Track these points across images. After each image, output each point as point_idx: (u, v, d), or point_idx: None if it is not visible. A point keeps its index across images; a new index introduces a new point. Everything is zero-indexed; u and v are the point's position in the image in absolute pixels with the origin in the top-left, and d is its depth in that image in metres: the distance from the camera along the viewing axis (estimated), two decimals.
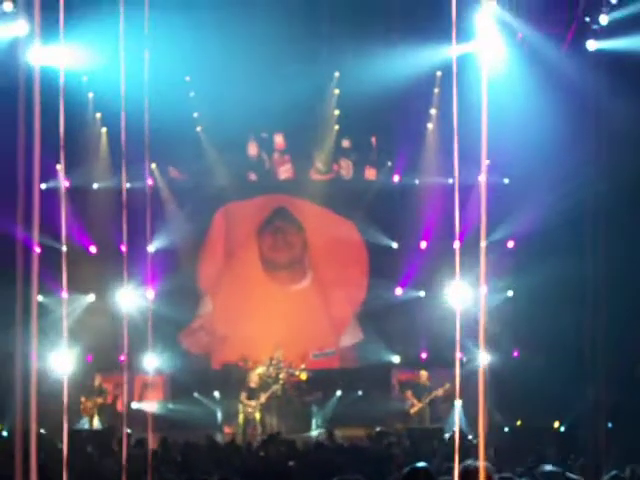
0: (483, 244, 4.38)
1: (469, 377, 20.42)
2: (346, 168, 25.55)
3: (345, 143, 25.25)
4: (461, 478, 5.62)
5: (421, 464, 6.76)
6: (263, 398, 21.55)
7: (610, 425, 19.03)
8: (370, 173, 25.52)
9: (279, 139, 25.36)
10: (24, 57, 4.57)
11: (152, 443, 16.24)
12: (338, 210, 25.59)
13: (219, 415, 23.15)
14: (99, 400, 21.49)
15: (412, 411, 21.31)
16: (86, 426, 21.19)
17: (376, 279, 25.22)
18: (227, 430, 22.44)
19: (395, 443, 16.61)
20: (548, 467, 6.28)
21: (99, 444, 16.09)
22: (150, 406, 23.24)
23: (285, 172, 25.76)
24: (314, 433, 21.87)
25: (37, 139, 4.03)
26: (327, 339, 25.52)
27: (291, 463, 12.02)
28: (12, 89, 4.38)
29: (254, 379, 22.02)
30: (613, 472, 8.31)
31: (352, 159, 25.51)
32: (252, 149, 25.35)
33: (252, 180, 25.63)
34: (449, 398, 21.81)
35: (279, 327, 24.04)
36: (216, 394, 23.62)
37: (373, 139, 25.24)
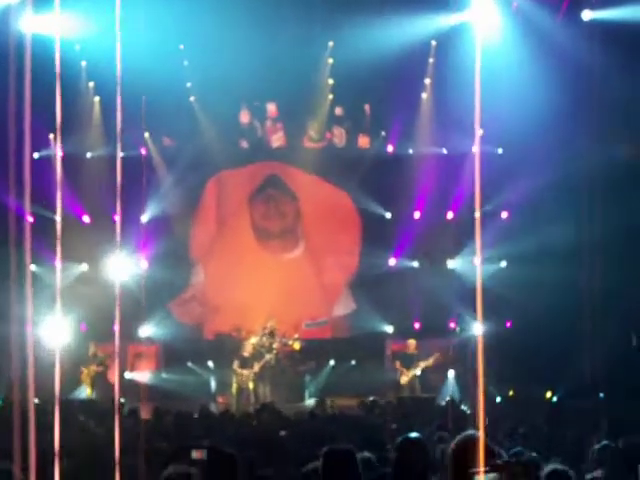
0: (478, 215, 4.36)
1: (462, 347, 20.51)
2: (339, 136, 25.50)
3: (338, 111, 25.17)
4: (461, 448, 5.61)
5: (414, 434, 6.75)
6: (257, 367, 21.57)
7: (602, 395, 19.11)
8: (363, 141, 25.47)
9: (272, 107, 25.28)
10: (16, 25, 4.53)
11: (145, 413, 16.28)
12: (331, 178, 25.53)
13: (213, 385, 23.19)
14: (94, 368, 21.46)
15: (402, 381, 21.32)
16: (83, 395, 21.20)
17: (369, 249, 25.22)
18: (220, 400, 22.48)
19: (387, 412, 16.66)
20: (553, 466, 6.28)
21: (91, 414, 16.08)
22: (143, 376, 23.30)
23: (277, 140, 25.69)
24: (307, 402, 21.91)
25: (27, 108, 4.00)
26: (319, 309, 25.54)
27: (283, 433, 12.02)
28: (3, 57, 4.35)
29: (247, 348, 22.03)
30: (604, 442, 8.33)
31: (345, 127, 25.44)
32: (244, 117, 25.27)
33: (244, 148, 25.56)
34: (441, 368, 21.88)
35: (271, 296, 24.04)
36: (210, 364, 23.67)
37: (367, 107, 25.17)
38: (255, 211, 25.92)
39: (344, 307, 25.73)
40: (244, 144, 25.51)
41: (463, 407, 17.60)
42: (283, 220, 26.05)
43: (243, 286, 24.66)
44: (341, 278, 25.73)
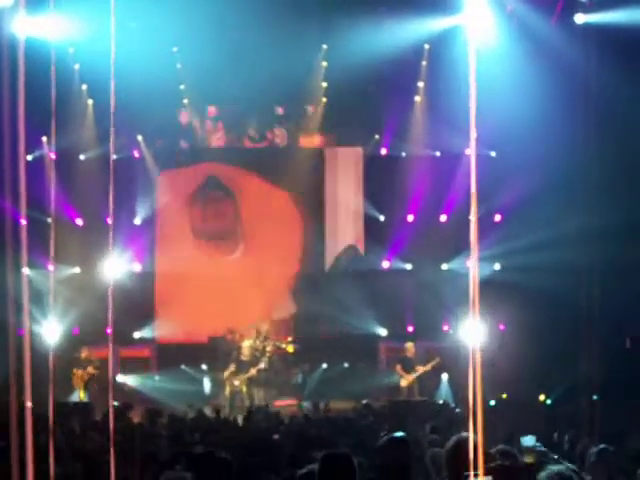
0: (473, 218, 4.35)
1: (455, 350, 20.49)
2: (280, 136, 25.53)
3: (279, 110, 25.28)
4: (455, 450, 5.62)
5: (399, 434, 6.76)
6: (253, 371, 21.49)
7: (596, 398, 19.12)
8: (306, 141, 25.60)
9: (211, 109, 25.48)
10: (9, 28, 4.51)
11: (138, 416, 16.26)
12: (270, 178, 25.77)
13: (206, 388, 23.17)
14: (88, 370, 21.36)
15: (403, 384, 21.20)
16: (76, 398, 21.14)
17: (367, 250, 25.36)
18: (214, 402, 22.46)
19: (380, 416, 16.66)
20: (556, 467, 6.28)
21: (84, 417, 16.07)
22: (136, 379, 23.28)
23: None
24: (302, 405, 21.87)
25: (21, 111, 3.99)
26: (261, 312, 25.06)
27: (276, 436, 12.02)
28: None
29: (245, 352, 21.89)
30: (601, 446, 8.32)
31: (286, 127, 25.55)
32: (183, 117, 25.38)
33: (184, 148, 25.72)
34: (437, 372, 21.84)
35: (215, 299, 24.44)
36: (203, 367, 23.69)
37: (310, 107, 25.24)
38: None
39: (285, 310, 25.59)
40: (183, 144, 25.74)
41: (457, 410, 17.61)
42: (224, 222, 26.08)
43: (189, 289, 24.74)
44: (282, 280, 25.65)
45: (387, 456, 6.50)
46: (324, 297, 24.44)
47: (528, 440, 16.23)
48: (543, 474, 5.48)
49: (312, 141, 25.70)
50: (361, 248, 25.75)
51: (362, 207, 25.48)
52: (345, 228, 25.88)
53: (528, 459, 14.22)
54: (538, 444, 13.07)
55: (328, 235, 25.78)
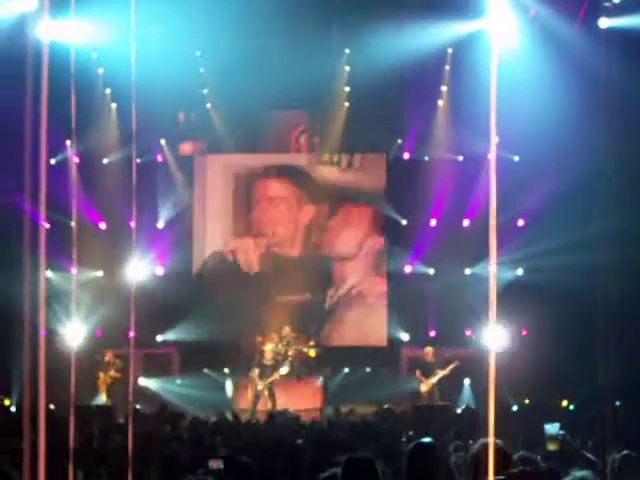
0: (493, 222, 4.34)
1: (478, 355, 20.44)
2: None
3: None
4: (479, 456, 5.60)
5: (427, 439, 6.75)
6: (276, 375, 21.49)
7: (619, 404, 19.03)
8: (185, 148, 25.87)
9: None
10: (33, 32, 4.54)
11: (160, 419, 16.30)
12: None
13: (229, 391, 23.19)
14: (110, 374, 21.40)
15: (423, 390, 21.16)
16: (101, 401, 21.18)
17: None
18: (237, 406, 22.49)
19: (403, 421, 16.64)
20: (580, 473, 6.26)
21: (105, 420, 16.13)
22: (158, 382, 23.32)
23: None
24: (325, 410, 21.85)
25: (44, 115, 4.01)
26: None
27: (299, 441, 12.00)
28: (21, 65, 4.35)
29: (268, 356, 21.90)
30: (625, 452, 8.27)
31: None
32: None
33: None
34: (457, 376, 21.78)
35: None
36: (226, 370, 23.73)
37: (180, 115, 25.33)
38: None
39: None
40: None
41: (479, 415, 17.55)
42: None
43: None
44: None
45: (414, 461, 6.48)
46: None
47: (552, 428, 16.19)
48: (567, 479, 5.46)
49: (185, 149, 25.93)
50: (382, 251, 25.73)
51: (384, 211, 25.50)
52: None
53: (552, 447, 14.22)
54: (562, 432, 13.07)
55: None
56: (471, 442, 5.97)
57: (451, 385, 21.71)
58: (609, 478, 7.98)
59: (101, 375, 21.43)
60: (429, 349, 21.56)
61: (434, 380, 20.98)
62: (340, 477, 5.90)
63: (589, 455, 6.84)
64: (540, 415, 17.36)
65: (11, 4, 18.05)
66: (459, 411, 18.59)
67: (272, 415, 17.51)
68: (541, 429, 14.63)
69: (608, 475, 8.03)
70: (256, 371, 21.63)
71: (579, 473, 6.77)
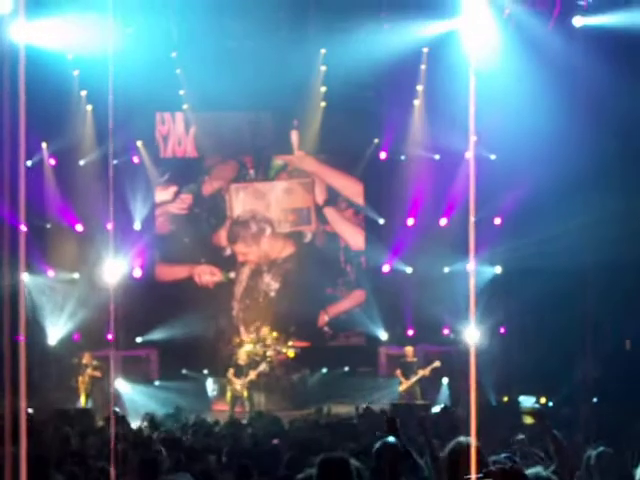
0: (472, 219, 4.37)
1: (456, 353, 20.40)
2: None
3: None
4: (453, 454, 5.64)
5: (391, 439, 6.80)
6: (253, 375, 21.50)
7: (595, 400, 19.13)
8: None
9: None
10: (8, 35, 4.54)
11: (137, 422, 16.27)
12: None
13: (209, 392, 23.15)
14: (89, 373, 21.26)
15: (401, 389, 21.19)
16: (78, 405, 21.07)
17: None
18: (215, 407, 22.46)
19: (381, 419, 16.63)
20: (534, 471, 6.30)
21: (84, 423, 16.06)
22: (137, 384, 23.24)
23: None
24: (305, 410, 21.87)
25: (22, 117, 4.00)
26: None
27: (275, 441, 12.00)
28: None
29: (242, 357, 21.99)
30: (600, 448, 8.31)
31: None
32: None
33: None
34: (438, 376, 21.82)
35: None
36: (205, 371, 23.73)
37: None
38: None
39: None
40: None
41: (458, 414, 17.58)
42: None
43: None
44: None
45: (380, 460, 6.56)
46: None
47: (526, 401, 16.25)
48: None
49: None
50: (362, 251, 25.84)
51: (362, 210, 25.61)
52: None
53: (528, 420, 14.31)
54: (537, 405, 13.09)
55: None
56: (448, 442, 5.99)
57: (431, 385, 21.73)
58: (584, 474, 8.03)
59: (80, 379, 21.29)
60: (409, 349, 21.59)
61: (414, 379, 21.00)
62: (315, 477, 5.92)
63: (557, 434, 6.86)
64: (518, 412, 17.42)
65: None
66: (437, 410, 18.58)
67: (251, 416, 17.51)
68: (518, 426, 14.66)
69: (583, 471, 8.07)
70: (231, 371, 21.63)
71: (532, 470, 6.82)
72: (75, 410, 19.58)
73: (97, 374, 21.25)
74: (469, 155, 21.30)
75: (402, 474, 6.64)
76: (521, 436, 9.68)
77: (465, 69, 4.51)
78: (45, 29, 19.03)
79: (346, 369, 24.36)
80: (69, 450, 10.22)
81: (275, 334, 23.20)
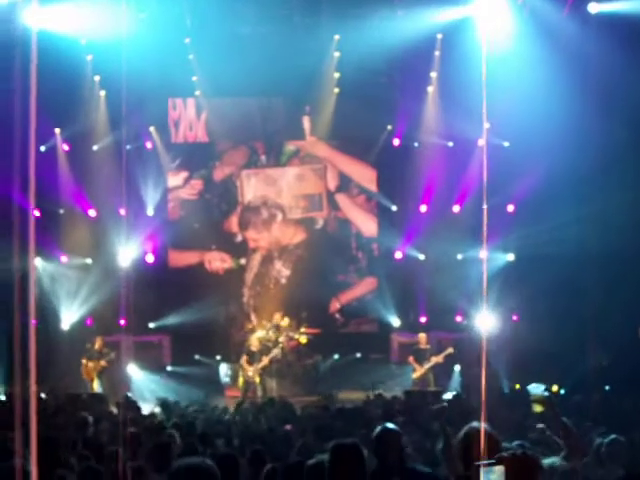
0: (485, 207, 4.36)
1: (469, 340, 20.37)
2: None
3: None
4: (466, 441, 5.64)
5: (391, 425, 6.81)
6: (266, 360, 21.53)
7: (608, 388, 19.10)
8: None
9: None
10: (21, 20, 4.54)
11: (151, 407, 16.32)
12: None
13: (222, 378, 23.18)
14: (101, 363, 21.36)
15: (415, 376, 21.14)
16: (90, 389, 21.13)
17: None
18: (228, 393, 22.51)
19: (394, 406, 16.63)
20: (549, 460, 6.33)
21: (96, 408, 16.09)
22: (149, 369, 23.29)
23: None
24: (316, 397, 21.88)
25: (33, 103, 4.00)
26: None
27: (288, 427, 12.01)
28: (9, 52, 4.34)
29: (254, 343, 22.02)
30: (612, 436, 8.31)
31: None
32: None
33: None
34: (451, 363, 21.80)
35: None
36: (217, 357, 23.76)
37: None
38: None
39: None
40: None
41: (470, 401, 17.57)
42: None
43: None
44: None
45: (380, 446, 6.59)
46: None
47: (536, 389, 16.21)
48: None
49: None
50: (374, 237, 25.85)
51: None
52: None
53: (537, 408, 14.29)
54: (546, 393, 13.06)
55: None
56: (460, 429, 5.99)
57: (443, 372, 21.72)
58: (593, 461, 8.03)
59: (88, 363, 21.31)
60: (422, 335, 21.56)
61: (427, 366, 20.97)
62: (327, 463, 5.94)
63: (567, 421, 6.88)
64: (530, 400, 17.41)
65: None
66: (449, 397, 18.56)
67: (263, 401, 17.53)
68: (530, 413, 14.65)
69: (592, 458, 8.07)
70: (245, 358, 21.68)
71: (548, 460, 6.83)
72: (87, 395, 19.66)
73: (105, 364, 21.30)
74: (482, 142, 21.27)
75: (404, 460, 6.65)
76: (541, 425, 9.65)
77: (479, 56, 4.50)
78: (59, 14, 19.03)
79: (358, 355, 24.35)
80: (84, 436, 10.25)
81: (287, 320, 23.18)
